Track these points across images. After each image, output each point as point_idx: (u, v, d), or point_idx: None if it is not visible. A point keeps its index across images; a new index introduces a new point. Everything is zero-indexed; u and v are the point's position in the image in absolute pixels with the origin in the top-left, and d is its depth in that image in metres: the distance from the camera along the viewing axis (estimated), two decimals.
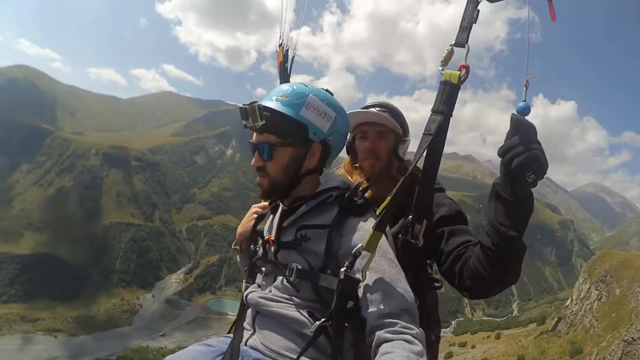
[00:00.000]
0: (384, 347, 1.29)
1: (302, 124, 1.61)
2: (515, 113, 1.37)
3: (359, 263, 1.44)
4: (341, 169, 2.21)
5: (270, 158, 1.62)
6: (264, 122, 1.57)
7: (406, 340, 1.28)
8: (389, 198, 1.50)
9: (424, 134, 1.59)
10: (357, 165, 2.12)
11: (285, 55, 2.16)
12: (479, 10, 1.51)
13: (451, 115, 1.56)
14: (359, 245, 1.44)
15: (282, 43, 2.24)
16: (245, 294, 1.81)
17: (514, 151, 1.34)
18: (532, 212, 1.45)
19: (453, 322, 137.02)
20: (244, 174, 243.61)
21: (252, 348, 1.61)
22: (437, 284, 1.91)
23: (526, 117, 1.37)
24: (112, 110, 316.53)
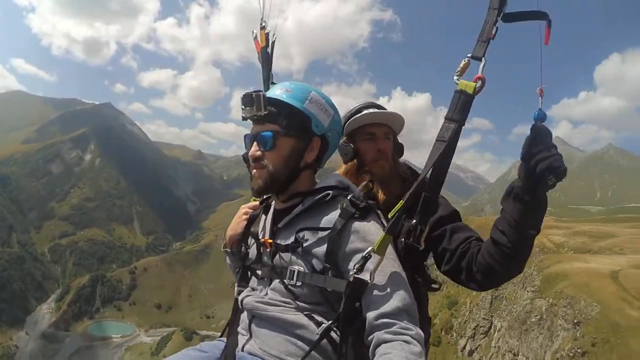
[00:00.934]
0: (382, 348, 1.30)
1: (306, 116, 1.63)
2: (534, 121, 1.46)
3: (368, 266, 1.44)
4: (341, 174, 2.07)
5: (272, 147, 1.62)
6: (266, 112, 1.57)
7: (405, 341, 1.29)
8: (402, 202, 1.51)
9: (437, 140, 1.57)
10: (365, 169, 2.07)
11: (267, 40, 2.09)
12: (497, 28, 1.53)
13: (464, 124, 1.54)
14: (369, 248, 1.45)
15: (264, 26, 2.15)
16: (240, 298, 1.76)
17: (539, 156, 1.41)
18: (546, 208, 1.54)
19: None
20: (105, 180, 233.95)
21: (250, 354, 1.57)
22: (435, 285, 1.94)
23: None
24: None
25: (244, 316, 1.75)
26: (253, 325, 1.65)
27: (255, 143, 1.66)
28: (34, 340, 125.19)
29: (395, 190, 1.97)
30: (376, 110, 2.12)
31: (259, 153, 1.64)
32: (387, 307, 1.38)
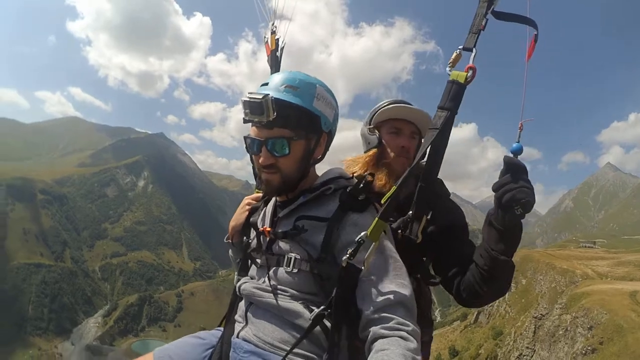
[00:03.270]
0: (378, 344, 1.27)
1: (316, 116, 1.56)
2: (509, 153, 1.50)
3: (361, 252, 1.42)
4: (358, 161, 2.10)
5: (287, 153, 1.54)
6: (275, 115, 1.47)
7: (401, 337, 1.27)
8: (394, 187, 1.52)
9: (429, 128, 1.61)
10: (385, 162, 2.04)
11: (277, 44, 2.12)
12: (487, 19, 1.58)
13: (456, 113, 1.59)
14: (363, 233, 1.42)
15: (274, 30, 2.20)
16: (238, 285, 1.77)
17: (505, 187, 1.46)
18: (520, 240, 1.60)
19: None
20: (157, 206, 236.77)
21: (245, 340, 1.57)
22: (434, 280, 1.92)
23: (518, 157, 1.49)
24: (14, 136, 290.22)
25: (242, 304, 1.74)
26: (249, 312, 1.65)
27: (264, 149, 1.56)
28: (78, 352, 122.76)
29: (408, 190, 1.83)
30: (407, 105, 2.08)
31: (271, 160, 1.57)
32: (384, 300, 1.36)
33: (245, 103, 1.50)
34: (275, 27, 2.29)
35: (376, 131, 2.10)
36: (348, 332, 1.42)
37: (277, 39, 2.24)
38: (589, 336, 37.38)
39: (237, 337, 1.62)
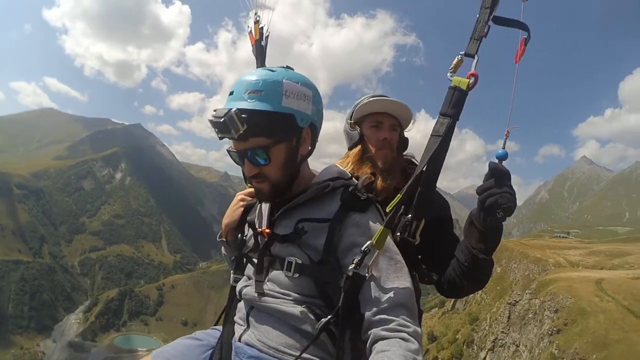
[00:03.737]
0: (380, 345, 1.27)
1: (289, 115, 1.47)
2: (494, 159, 1.56)
3: (367, 260, 1.41)
4: (346, 160, 2.13)
5: (267, 162, 1.49)
6: (245, 127, 1.39)
7: (402, 339, 1.27)
8: (399, 195, 1.52)
9: (432, 135, 1.59)
10: (368, 155, 2.07)
11: (261, 33, 2.07)
12: (489, 26, 1.57)
13: (458, 119, 1.58)
14: (368, 242, 1.41)
15: (258, 20, 2.16)
16: (238, 288, 1.72)
17: (489, 192, 1.52)
18: (500, 240, 1.67)
19: None
20: (135, 198, 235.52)
21: (248, 344, 1.54)
22: (430, 278, 1.92)
23: (503, 162, 1.55)
24: None
25: (241, 306, 1.70)
26: (251, 316, 1.61)
27: (246, 160, 1.52)
28: (61, 349, 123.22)
29: (395, 182, 1.99)
30: (385, 98, 2.08)
31: (255, 170, 1.52)
32: (385, 302, 1.36)
33: (211, 123, 1.43)
34: (259, 16, 2.26)
35: (357, 127, 2.12)
36: (352, 335, 1.42)
37: (261, 28, 2.23)
38: (554, 318, 40.87)
39: (239, 340, 1.59)
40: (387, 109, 2.08)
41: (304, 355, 1.43)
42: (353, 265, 1.39)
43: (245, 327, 1.61)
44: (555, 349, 37.42)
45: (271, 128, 1.45)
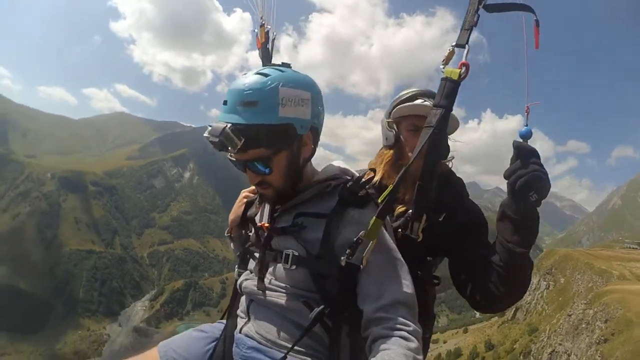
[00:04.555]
0: (379, 344, 1.26)
1: (287, 125, 1.41)
2: (518, 138, 1.48)
3: (360, 251, 1.39)
4: (379, 161, 2.04)
5: (269, 171, 1.46)
6: (243, 140, 1.34)
7: (402, 337, 1.25)
8: (390, 187, 1.47)
9: (425, 126, 1.57)
10: (401, 163, 1.93)
11: (267, 36, 2.11)
12: (479, 15, 1.56)
13: (451, 110, 1.56)
14: (361, 232, 1.39)
15: (263, 24, 2.19)
16: (239, 282, 1.73)
17: (517, 173, 1.44)
18: (538, 230, 1.53)
19: None
20: (202, 196, 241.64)
21: (247, 336, 1.57)
22: (435, 281, 1.89)
23: (528, 141, 1.47)
24: (65, 132, 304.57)
25: (243, 299, 1.72)
26: (251, 309, 1.63)
27: (248, 171, 1.50)
28: (126, 333, 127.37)
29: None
30: (430, 102, 1.89)
31: (258, 179, 1.51)
32: (385, 299, 1.34)
33: (209, 142, 1.37)
34: (264, 19, 2.21)
35: (394, 127, 1.99)
36: (351, 330, 1.41)
37: (267, 31, 2.17)
38: (604, 328, 41.74)
39: (240, 332, 1.61)
40: (425, 113, 1.86)
41: (300, 347, 1.43)
42: (345, 255, 1.38)
43: (246, 319, 1.63)
44: (599, 357, 38.39)
45: (270, 140, 1.40)
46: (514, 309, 73.88)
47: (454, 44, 1.59)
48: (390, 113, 2.02)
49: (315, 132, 1.55)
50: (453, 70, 1.56)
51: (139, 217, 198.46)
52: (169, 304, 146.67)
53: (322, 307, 1.40)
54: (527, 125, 1.48)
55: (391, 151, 1.98)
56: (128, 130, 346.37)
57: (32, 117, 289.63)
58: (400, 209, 1.81)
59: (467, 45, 1.56)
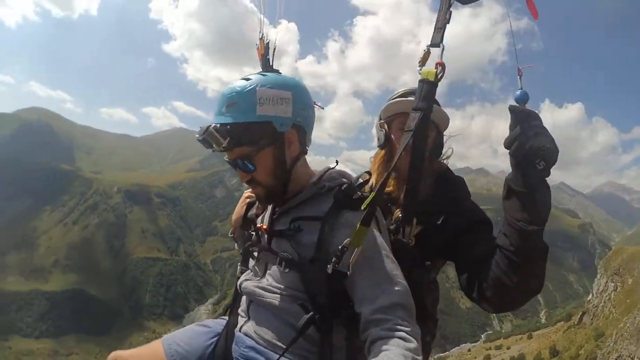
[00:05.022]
0: (378, 345, 1.27)
1: (265, 123, 1.50)
2: (514, 103, 1.37)
3: (347, 257, 1.39)
4: (373, 163, 2.02)
5: (253, 168, 1.54)
6: (227, 139, 1.46)
7: (401, 338, 1.26)
8: (373, 193, 1.43)
9: (404, 130, 1.57)
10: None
11: (266, 48, 2.11)
12: (451, 12, 1.56)
13: (431, 112, 1.54)
14: (346, 240, 1.39)
15: (262, 36, 2.18)
16: (239, 282, 1.78)
17: (518, 141, 1.32)
18: (550, 204, 1.38)
19: (482, 336, 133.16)
20: None
21: (247, 335, 1.61)
22: (432, 286, 1.83)
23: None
24: (127, 149, 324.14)
25: (244, 298, 1.75)
26: (251, 309, 1.66)
27: (237, 169, 1.59)
28: None
29: (424, 190, 1.71)
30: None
31: (247, 177, 1.58)
32: (382, 301, 1.33)
33: (199, 141, 1.50)
34: (263, 33, 2.22)
35: (385, 127, 1.97)
36: (347, 333, 1.43)
37: (267, 43, 2.20)
38: None
39: (240, 331, 1.65)
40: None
41: (294, 350, 1.45)
42: (331, 263, 1.38)
43: (246, 318, 1.66)
44: None
45: (251, 137, 1.49)
46: (580, 313, 68.27)
47: (428, 44, 1.56)
48: (381, 114, 2.00)
49: (301, 130, 1.59)
50: (429, 71, 1.53)
51: (201, 226, 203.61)
52: None
53: (311, 313, 1.40)
54: (521, 89, 1.38)
55: (383, 151, 1.96)
56: (187, 144, 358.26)
57: (96, 136, 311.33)
58: (398, 212, 1.73)
59: (441, 44, 1.53)
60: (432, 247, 1.71)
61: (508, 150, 1.36)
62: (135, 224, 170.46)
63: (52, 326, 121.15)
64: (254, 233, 1.76)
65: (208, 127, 1.46)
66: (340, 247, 1.37)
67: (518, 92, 1.37)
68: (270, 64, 1.97)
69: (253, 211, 1.88)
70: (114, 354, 1.86)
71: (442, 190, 1.81)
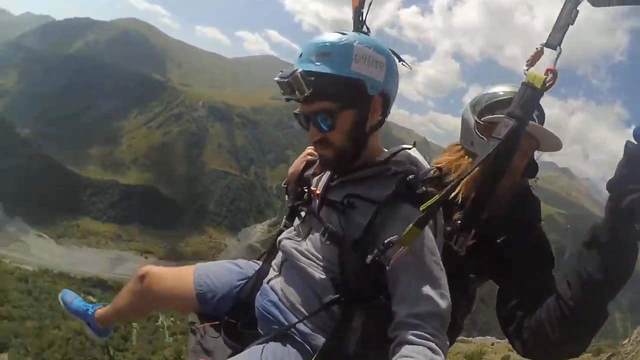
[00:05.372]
0: (405, 350, 1.21)
1: (358, 81, 1.38)
2: (632, 140, 1.09)
3: (391, 252, 1.30)
4: (453, 162, 1.80)
5: (332, 127, 1.41)
6: (311, 90, 1.33)
7: (430, 348, 1.20)
8: (437, 196, 1.30)
9: (492, 136, 1.37)
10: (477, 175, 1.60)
11: (362, 1, 1.93)
12: (578, 11, 1.31)
13: (527, 123, 1.33)
14: (395, 237, 1.29)
15: None
16: (279, 238, 1.73)
17: (626, 188, 1.10)
18: (632, 270, 1.18)
19: None
20: None
21: (272, 290, 1.59)
22: (465, 301, 1.72)
23: None
24: (217, 68, 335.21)
25: (280, 253, 1.71)
26: (284, 266, 1.64)
27: (311, 125, 1.46)
28: (241, 248, 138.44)
29: (494, 205, 1.51)
30: (533, 122, 1.58)
31: (319, 136, 1.46)
32: (421, 308, 1.26)
33: (278, 83, 1.38)
34: None
35: (484, 136, 1.69)
36: (366, 319, 1.37)
37: None
38: None
39: (268, 283, 1.64)
40: (536, 134, 1.65)
41: (314, 320, 1.44)
42: (373, 254, 1.31)
43: (277, 273, 1.65)
44: None
45: (338, 92, 1.37)
46: (610, 353, 53.90)
47: (543, 43, 1.35)
48: (481, 112, 1.73)
49: (387, 99, 1.48)
50: (537, 76, 1.32)
51: (275, 152, 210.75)
52: None
53: (337, 295, 1.37)
54: None
55: (469, 159, 1.75)
56: (275, 72, 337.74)
57: (188, 52, 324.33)
58: (458, 215, 1.62)
59: (558, 48, 1.31)
60: (482, 264, 1.62)
61: (609, 193, 1.15)
62: (214, 138, 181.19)
63: (120, 214, 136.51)
64: (306, 193, 1.69)
65: (295, 71, 1.33)
66: (385, 241, 1.29)
67: (637, 127, 1.06)
68: (363, 18, 1.75)
69: (311, 171, 1.77)
70: (146, 267, 1.91)
71: (514, 210, 1.64)
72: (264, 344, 1.49)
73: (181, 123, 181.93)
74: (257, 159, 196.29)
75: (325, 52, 1.37)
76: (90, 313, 2.34)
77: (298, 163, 1.92)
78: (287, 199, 1.92)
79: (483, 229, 1.46)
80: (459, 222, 1.47)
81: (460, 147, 1.81)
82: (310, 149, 1.91)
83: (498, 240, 1.59)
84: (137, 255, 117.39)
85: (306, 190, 1.72)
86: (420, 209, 1.29)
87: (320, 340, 1.42)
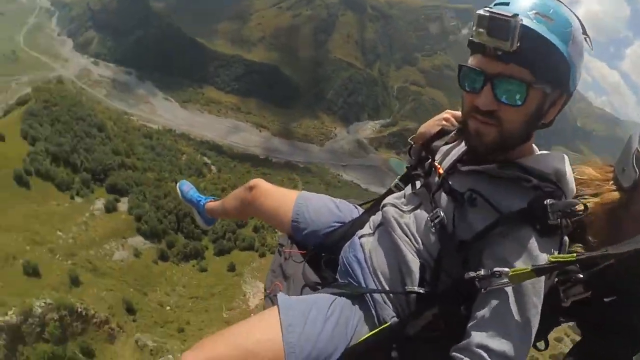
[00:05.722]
0: None
1: (568, 65, 1.17)
2: None
3: (493, 282, 1.15)
4: (595, 168, 1.53)
5: (520, 102, 1.17)
6: (516, 49, 1.10)
7: None
8: (574, 255, 1.13)
9: None
10: (625, 218, 1.36)
11: None
12: None
13: None
14: (506, 269, 1.13)
15: None
16: (385, 201, 1.63)
17: None
18: None
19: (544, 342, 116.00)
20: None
21: (361, 247, 1.55)
22: (539, 345, 1.57)
23: None
24: None
25: (380, 214, 1.62)
26: (379, 230, 1.57)
27: (488, 88, 1.19)
28: (350, 140, 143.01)
29: (625, 262, 1.27)
30: None
31: (493, 106, 1.20)
32: (496, 344, 1.13)
33: (482, 18, 1.13)
34: None
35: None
36: (437, 312, 1.28)
37: None
38: None
39: (360, 238, 1.59)
40: None
41: (385, 295, 1.40)
42: (475, 274, 1.17)
43: (371, 232, 1.60)
44: None
45: (545, 67, 1.15)
46: None
47: None
48: None
49: (567, 99, 1.29)
50: None
51: (403, 52, 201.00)
52: (395, 136, 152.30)
53: (421, 290, 1.31)
54: None
55: (618, 194, 1.39)
56: None
57: None
58: (578, 250, 1.37)
59: None
60: (579, 313, 1.46)
61: None
62: (343, 26, 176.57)
63: (242, 87, 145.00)
64: (428, 164, 1.56)
65: (513, 17, 1.09)
66: (493, 270, 1.14)
67: None
68: None
69: (441, 142, 1.58)
70: (256, 180, 1.99)
71: (633, 276, 1.35)
72: (336, 296, 1.45)
73: (312, 7, 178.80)
74: (383, 55, 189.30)
75: (548, 14, 1.15)
76: (202, 204, 2.63)
77: (432, 124, 1.68)
78: (408, 158, 1.78)
79: (598, 283, 1.29)
80: (581, 277, 1.25)
81: (612, 170, 1.47)
82: (448, 114, 1.67)
83: (606, 300, 1.38)
84: (252, 128, 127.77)
85: (428, 161, 1.57)
86: (548, 259, 1.14)
87: (389, 313, 1.37)
